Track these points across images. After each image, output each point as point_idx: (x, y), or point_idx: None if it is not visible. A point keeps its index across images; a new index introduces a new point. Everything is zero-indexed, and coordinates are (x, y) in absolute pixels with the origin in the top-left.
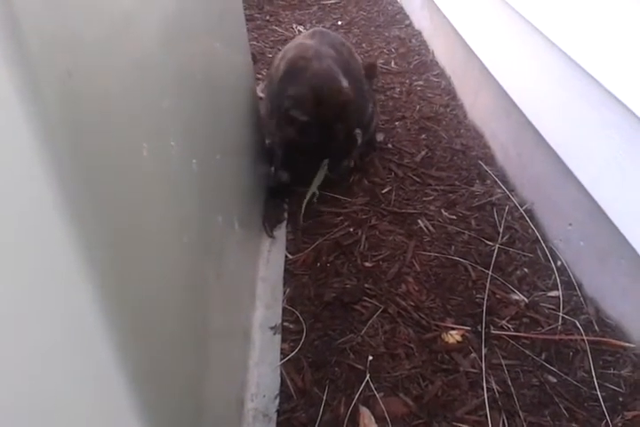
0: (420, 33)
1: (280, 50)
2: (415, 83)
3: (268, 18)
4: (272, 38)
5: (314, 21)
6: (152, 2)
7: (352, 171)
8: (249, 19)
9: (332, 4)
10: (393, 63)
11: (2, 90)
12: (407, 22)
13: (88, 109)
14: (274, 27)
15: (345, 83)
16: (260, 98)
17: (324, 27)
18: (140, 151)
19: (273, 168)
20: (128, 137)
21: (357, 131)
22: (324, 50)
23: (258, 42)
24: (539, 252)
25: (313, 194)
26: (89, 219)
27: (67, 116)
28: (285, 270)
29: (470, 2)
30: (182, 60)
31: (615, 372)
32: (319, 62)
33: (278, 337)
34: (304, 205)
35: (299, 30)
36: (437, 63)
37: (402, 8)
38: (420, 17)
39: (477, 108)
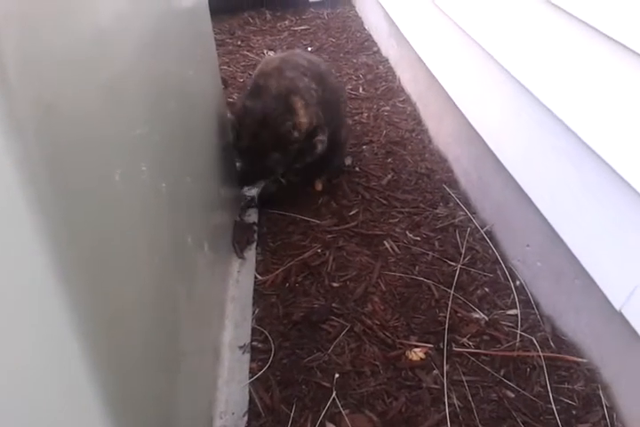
0: (387, 60)
1: (251, 75)
2: (382, 108)
3: (239, 43)
4: (243, 63)
5: (284, 47)
6: (125, 27)
7: (321, 193)
8: (220, 44)
9: (302, 30)
10: (361, 89)
11: None
12: (375, 49)
13: (64, 136)
14: (245, 52)
15: (299, 104)
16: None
17: None
18: (112, 175)
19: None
20: (101, 162)
21: (320, 137)
22: (293, 60)
23: (229, 66)
24: (498, 272)
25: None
26: (63, 240)
27: (44, 144)
28: (255, 291)
29: (433, 32)
30: (155, 85)
31: (569, 386)
32: (277, 81)
33: (247, 356)
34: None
35: (269, 55)
36: (404, 89)
37: (370, 35)
38: (387, 45)
39: (441, 134)
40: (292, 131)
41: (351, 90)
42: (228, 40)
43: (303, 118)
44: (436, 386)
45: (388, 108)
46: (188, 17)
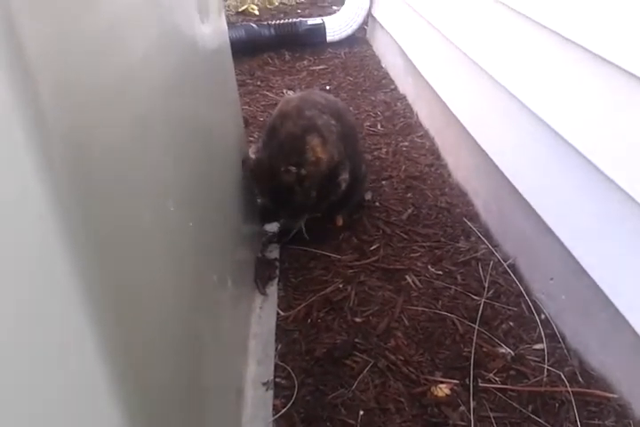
0: (404, 97)
1: (271, 114)
2: (401, 144)
3: (259, 83)
4: (263, 102)
5: (303, 86)
6: (152, 67)
7: (341, 228)
8: (241, 84)
9: (320, 69)
10: (379, 125)
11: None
12: (392, 87)
13: (95, 176)
14: (265, 92)
15: (315, 142)
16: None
17: None
18: (141, 217)
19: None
20: (131, 203)
21: (343, 176)
22: (312, 99)
23: (250, 106)
24: (523, 305)
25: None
26: (93, 282)
27: (76, 185)
28: (277, 326)
29: (449, 68)
30: (180, 126)
31: (600, 422)
32: (293, 121)
33: (270, 393)
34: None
35: (288, 95)
36: (421, 125)
37: (387, 73)
38: (403, 82)
39: (460, 168)
40: (299, 170)
41: (370, 126)
42: (248, 80)
43: (321, 154)
44: (463, 423)
45: (406, 143)
46: (211, 58)
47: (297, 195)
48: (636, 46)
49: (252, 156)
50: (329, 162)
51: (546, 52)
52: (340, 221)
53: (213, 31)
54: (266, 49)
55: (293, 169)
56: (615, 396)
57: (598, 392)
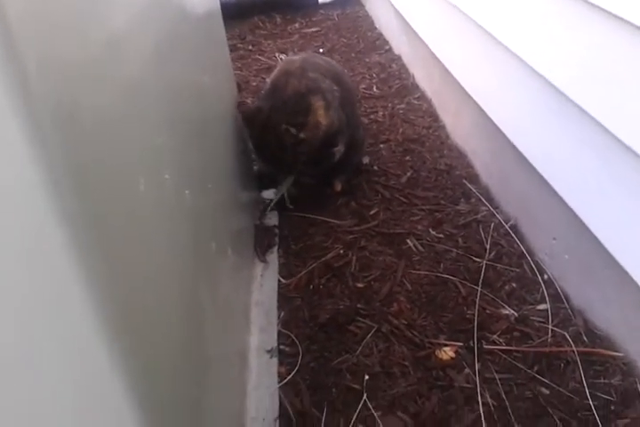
0: (399, 57)
1: (264, 78)
2: (397, 106)
3: (250, 48)
4: (255, 67)
5: (296, 49)
6: (140, 33)
7: (340, 194)
8: (232, 49)
9: (312, 32)
10: (375, 88)
11: (10, 135)
12: (387, 48)
13: (86, 145)
14: (257, 56)
15: (319, 104)
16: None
17: None
18: (137, 186)
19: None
20: (126, 173)
21: (338, 147)
22: (314, 61)
23: (242, 71)
24: (525, 266)
25: (282, 195)
26: (88, 248)
27: (69, 157)
28: (279, 294)
29: (446, 27)
30: (172, 92)
31: (606, 381)
32: (298, 80)
33: (275, 360)
34: (271, 205)
35: (281, 58)
36: (418, 86)
37: (381, 34)
38: (398, 42)
39: (459, 129)
40: (298, 133)
41: (365, 89)
42: (239, 45)
43: (323, 119)
44: (469, 385)
45: (403, 105)
46: (202, 23)
47: (287, 155)
48: None
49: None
50: (328, 128)
51: (546, 8)
52: (338, 187)
53: None
54: (256, 12)
55: (293, 130)
56: (620, 354)
57: (603, 351)
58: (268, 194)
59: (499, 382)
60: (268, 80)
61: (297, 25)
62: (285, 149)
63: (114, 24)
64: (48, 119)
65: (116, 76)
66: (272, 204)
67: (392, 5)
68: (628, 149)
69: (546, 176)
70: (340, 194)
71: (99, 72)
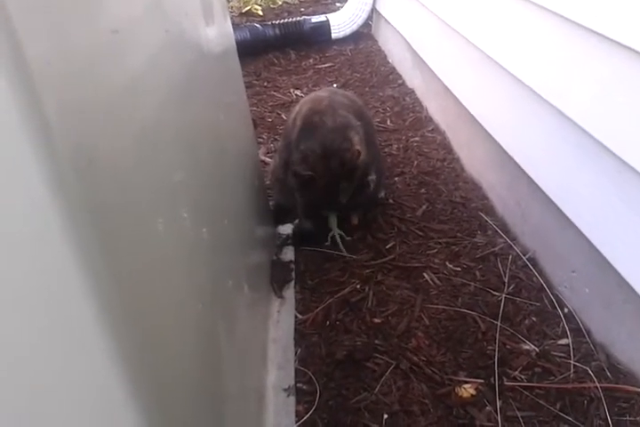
0: (412, 91)
1: (279, 114)
2: (412, 139)
3: (265, 84)
4: (271, 103)
5: (310, 85)
6: (157, 73)
7: (356, 227)
8: (248, 85)
9: (326, 67)
10: (389, 121)
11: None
12: (400, 82)
13: (107, 192)
14: (272, 92)
15: (356, 138)
16: (262, 161)
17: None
18: (155, 226)
19: (298, 219)
20: (144, 214)
21: (371, 177)
22: (338, 99)
23: (257, 107)
24: (545, 300)
25: (340, 235)
26: (108, 288)
27: (89, 200)
28: (295, 330)
29: (459, 60)
30: (188, 131)
31: (631, 418)
32: (332, 118)
33: (292, 399)
34: (343, 249)
35: (296, 94)
36: (432, 119)
37: (394, 68)
38: (411, 76)
39: (474, 161)
40: (355, 157)
41: (379, 122)
42: (254, 82)
43: (362, 150)
44: (490, 424)
45: (417, 138)
46: (218, 61)
47: (346, 186)
48: None
49: (262, 157)
50: (364, 159)
51: (557, 41)
52: (355, 220)
53: (219, 34)
54: (271, 49)
55: (347, 156)
56: None
57: (628, 387)
58: (284, 229)
59: (521, 420)
60: (293, 119)
61: (311, 61)
62: (350, 176)
63: (131, 66)
64: (68, 163)
65: (133, 118)
66: (342, 248)
67: (404, 40)
68: None
69: (562, 208)
70: (356, 227)
71: (117, 114)
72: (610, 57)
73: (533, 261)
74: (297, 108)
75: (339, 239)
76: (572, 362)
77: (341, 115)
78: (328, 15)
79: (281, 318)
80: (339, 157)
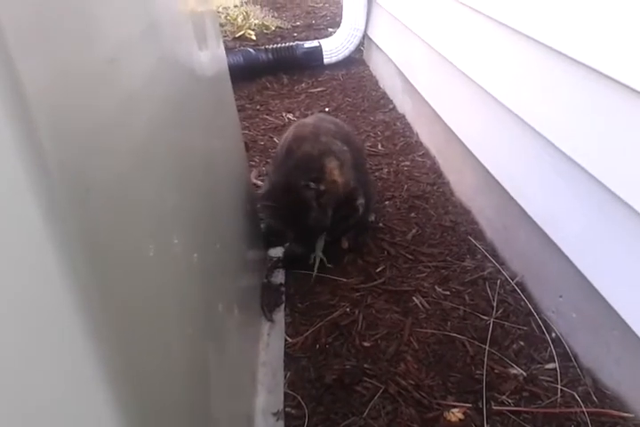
0: (403, 116)
1: (272, 137)
2: (402, 163)
3: (258, 107)
4: (263, 127)
5: (302, 109)
6: (150, 96)
7: (346, 251)
8: (240, 109)
9: (318, 91)
10: (380, 146)
11: (28, 210)
12: (391, 106)
13: (99, 219)
14: (264, 116)
15: (333, 164)
16: (254, 184)
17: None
18: (146, 252)
19: (288, 242)
20: (136, 240)
21: (360, 200)
22: (324, 125)
23: (250, 131)
24: (533, 324)
25: (320, 259)
26: (97, 312)
27: (81, 226)
28: (285, 354)
29: (448, 87)
30: (182, 156)
31: None
32: (312, 144)
33: (281, 423)
34: (315, 271)
35: (288, 118)
36: (422, 144)
37: (385, 93)
38: (402, 101)
39: (463, 186)
40: (317, 186)
41: (370, 147)
42: (247, 105)
43: (338, 178)
44: None
45: (407, 162)
46: (211, 85)
47: (314, 212)
48: None
49: (254, 180)
50: (345, 186)
51: (549, 70)
52: (345, 244)
53: (212, 58)
54: (264, 73)
55: (312, 184)
56: (631, 415)
57: (614, 412)
58: (275, 252)
59: None
60: (280, 145)
61: (303, 85)
62: (310, 207)
63: (125, 94)
64: (64, 192)
65: (125, 139)
66: (314, 270)
67: (395, 65)
68: (633, 210)
69: (550, 234)
70: (347, 251)
71: (111, 142)
72: (584, 83)
73: (521, 285)
74: (286, 133)
75: (317, 261)
76: (559, 386)
77: (322, 142)
78: (320, 40)
79: (271, 341)
80: (297, 191)
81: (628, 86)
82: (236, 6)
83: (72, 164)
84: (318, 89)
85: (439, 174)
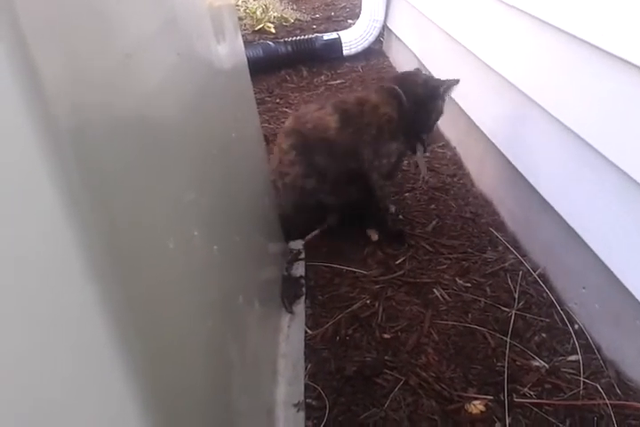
0: None
1: None
2: None
3: (277, 100)
4: (282, 119)
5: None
6: (170, 90)
7: (367, 242)
8: (260, 102)
9: (338, 84)
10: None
11: (46, 199)
12: None
13: (119, 210)
14: (284, 109)
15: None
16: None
17: None
18: (166, 244)
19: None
20: (156, 232)
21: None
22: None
23: (269, 124)
24: (555, 316)
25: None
26: (120, 306)
27: (101, 218)
28: (305, 345)
29: (470, 78)
30: (202, 149)
31: None
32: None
33: (302, 414)
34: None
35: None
36: (442, 135)
37: None
38: None
39: (484, 177)
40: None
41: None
42: (267, 98)
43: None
44: None
45: (427, 154)
46: (230, 78)
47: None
48: None
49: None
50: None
51: (566, 58)
52: (375, 237)
53: (230, 52)
54: (283, 66)
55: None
56: None
57: (637, 404)
58: (295, 244)
59: None
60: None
61: (323, 77)
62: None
63: (144, 88)
64: (82, 184)
65: (147, 138)
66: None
67: (415, 56)
68: None
69: (573, 225)
70: (373, 244)
71: (130, 130)
72: (614, 71)
73: (544, 277)
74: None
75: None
76: (581, 379)
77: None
78: (340, 32)
79: (291, 333)
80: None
81: None
82: None
83: (91, 157)
84: (338, 81)
85: (459, 165)
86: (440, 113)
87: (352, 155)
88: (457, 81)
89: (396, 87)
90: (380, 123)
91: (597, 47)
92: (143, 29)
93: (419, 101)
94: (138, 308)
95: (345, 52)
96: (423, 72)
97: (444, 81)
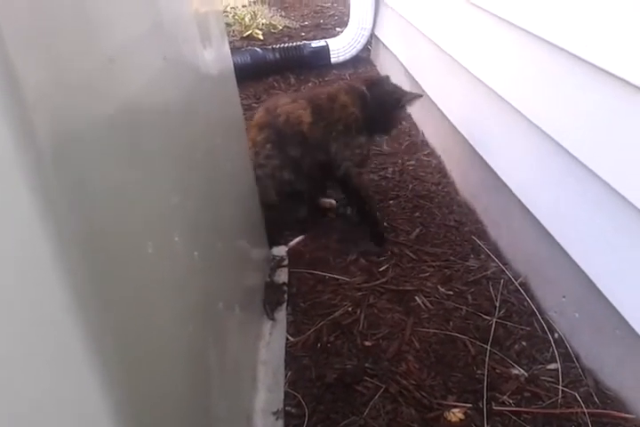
0: (409, 115)
1: None
2: (407, 163)
3: None
4: None
5: None
6: (155, 96)
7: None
8: (247, 108)
9: None
10: (385, 145)
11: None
12: None
13: (97, 214)
14: None
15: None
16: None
17: None
18: (145, 249)
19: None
20: (134, 235)
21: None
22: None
23: None
24: (535, 324)
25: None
26: (96, 311)
27: (77, 222)
28: (286, 353)
29: (454, 86)
30: (186, 154)
31: None
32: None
33: (281, 422)
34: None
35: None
36: (428, 143)
37: None
38: None
39: (468, 185)
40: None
41: (375, 146)
42: (254, 104)
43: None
44: None
45: (412, 162)
46: (215, 84)
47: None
48: None
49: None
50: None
51: (551, 69)
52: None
53: (217, 58)
54: (271, 73)
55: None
56: (632, 416)
57: (615, 413)
58: (279, 251)
59: None
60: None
61: (310, 84)
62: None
63: (128, 93)
64: (56, 186)
65: (128, 140)
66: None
67: (402, 65)
68: (636, 209)
69: (554, 234)
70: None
71: (112, 137)
72: (598, 83)
73: (525, 285)
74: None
75: None
76: (560, 387)
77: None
78: (328, 40)
79: (272, 339)
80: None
81: None
82: (244, 6)
83: (70, 162)
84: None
85: (444, 174)
86: (399, 121)
87: (322, 148)
88: (420, 95)
89: (365, 90)
90: (347, 121)
91: (581, 58)
92: (128, 33)
93: (382, 107)
94: (115, 313)
95: (333, 60)
96: (392, 81)
97: (407, 93)
